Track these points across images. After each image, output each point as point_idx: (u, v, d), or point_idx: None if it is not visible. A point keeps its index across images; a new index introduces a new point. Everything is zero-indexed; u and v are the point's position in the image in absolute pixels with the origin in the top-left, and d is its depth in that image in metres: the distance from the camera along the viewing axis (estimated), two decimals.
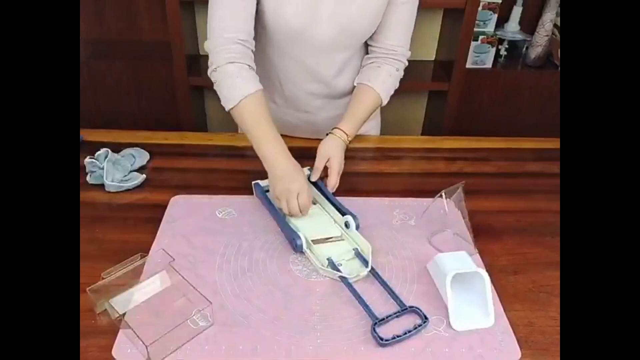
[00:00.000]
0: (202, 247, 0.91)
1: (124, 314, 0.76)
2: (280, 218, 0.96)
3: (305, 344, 0.74)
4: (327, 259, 0.87)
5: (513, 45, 1.92)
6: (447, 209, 0.90)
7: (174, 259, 0.84)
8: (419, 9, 1.11)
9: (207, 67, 1.02)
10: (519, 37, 1.86)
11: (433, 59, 2.00)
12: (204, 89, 1.96)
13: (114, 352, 0.71)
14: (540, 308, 0.82)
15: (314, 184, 1.04)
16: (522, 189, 1.13)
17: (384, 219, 1.00)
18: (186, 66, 1.71)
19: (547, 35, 1.81)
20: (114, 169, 1.06)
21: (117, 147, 1.13)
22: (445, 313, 0.78)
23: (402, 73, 1.17)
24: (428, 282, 0.85)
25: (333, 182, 1.03)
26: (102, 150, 1.08)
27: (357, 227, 0.93)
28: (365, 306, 0.78)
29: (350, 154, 1.11)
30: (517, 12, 1.83)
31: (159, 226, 0.95)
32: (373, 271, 0.85)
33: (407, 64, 1.17)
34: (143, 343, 0.67)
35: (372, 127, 1.33)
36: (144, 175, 1.08)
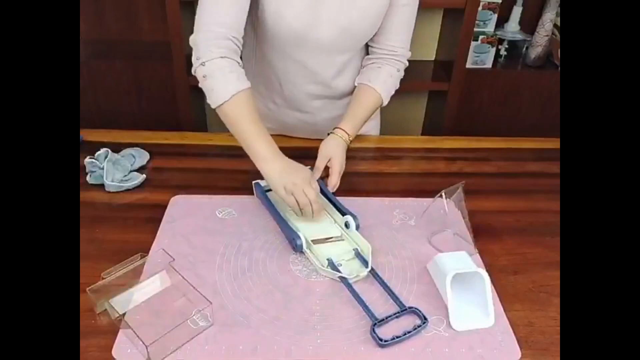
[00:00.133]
0: (202, 247, 0.91)
1: (124, 314, 0.76)
2: (280, 218, 0.96)
3: (305, 344, 0.74)
4: (327, 259, 0.87)
5: (513, 45, 1.92)
6: (447, 209, 0.90)
7: (174, 259, 0.84)
8: (419, 9, 1.12)
9: None
10: (519, 37, 1.86)
11: (433, 59, 2.00)
12: None
13: (114, 352, 0.71)
14: (540, 308, 0.82)
15: None
16: (522, 189, 1.13)
17: (384, 219, 1.00)
18: (186, 66, 1.71)
19: (547, 35, 1.80)
20: (114, 169, 1.06)
21: (117, 147, 1.13)
22: (445, 313, 0.78)
23: (402, 73, 1.17)
24: (428, 282, 0.85)
25: (334, 182, 1.03)
26: (102, 150, 1.08)
27: (357, 227, 0.93)
28: (365, 307, 0.78)
29: (350, 154, 1.11)
30: (517, 12, 1.83)
31: (159, 226, 0.95)
32: (373, 272, 0.85)
33: (407, 64, 1.17)
34: (143, 343, 0.67)
35: (372, 127, 1.33)
36: (144, 175, 1.08)
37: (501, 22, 1.85)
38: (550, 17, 1.78)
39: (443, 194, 0.90)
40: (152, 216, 0.98)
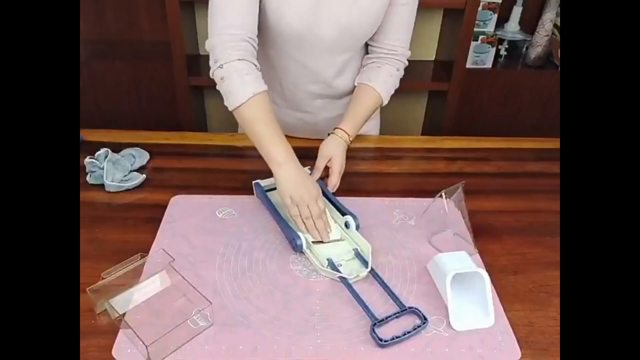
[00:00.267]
0: (202, 247, 0.91)
1: (124, 314, 0.76)
2: (280, 218, 0.96)
3: (305, 344, 0.74)
4: (327, 259, 0.87)
5: (513, 45, 1.92)
6: (447, 209, 0.90)
7: (174, 259, 0.84)
8: (419, 8, 1.12)
9: (207, 67, 1.00)
10: (519, 37, 1.86)
11: (433, 59, 2.00)
12: (204, 89, 1.96)
13: (114, 352, 0.71)
14: (540, 308, 0.82)
15: None
16: (522, 189, 1.13)
17: (384, 219, 1.00)
18: (186, 66, 1.71)
19: (547, 35, 1.81)
20: (114, 169, 1.06)
21: (117, 147, 1.13)
22: (445, 313, 0.78)
23: (402, 73, 1.17)
24: (428, 282, 0.85)
25: (334, 182, 1.04)
26: (102, 150, 1.08)
27: (357, 227, 0.93)
28: (365, 307, 0.78)
29: (350, 154, 1.11)
30: (517, 12, 1.83)
31: (159, 226, 0.95)
32: (373, 272, 0.85)
33: (407, 63, 1.17)
34: (143, 343, 0.67)
35: (372, 127, 1.33)
36: (144, 175, 1.08)
37: (501, 22, 1.85)
38: (550, 17, 1.78)
39: (443, 194, 0.90)
40: (152, 216, 0.98)
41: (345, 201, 0.99)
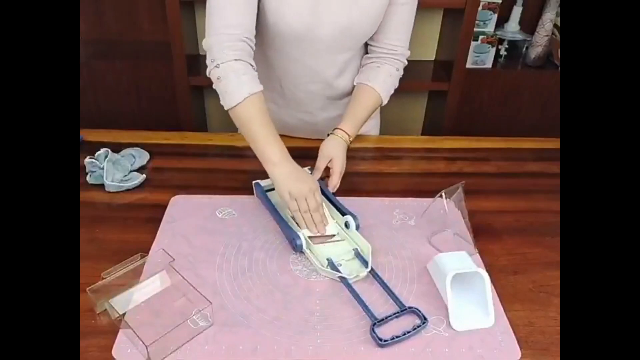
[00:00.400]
0: (202, 247, 0.91)
1: (124, 314, 0.76)
2: (280, 218, 0.96)
3: (305, 344, 0.74)
4: (327, 259, 0.87)
5: (513, 45, 1.91)
6: (447, 209, 0.90)
7: (174, 259, 0.84)
8: (419, 8, 1.12)
9: (206, 67, 1.00)
10: (519, 37, 1.86)
11: (433, 59, 2.00)
12: (204, 88, 1.96)
13: (114, 352, 0.71)
14: (540, 308, 0.82)
15: None
16: (522, 189, 1.13)
17: (384, 219, 1.00)
18: (186, 66, 1.71)
19: (547, 35, 1.80)
20: (114, 169, 1.06)
21: (117, 147, 1.13)
22: (445, 313, 0.78)
23: (402, 72, 1.17)
24: (428, 282, 0.85)
25: (334, 182, 1.04)
26: (102, 150, 1.08)
27: (357, 227, 0.93)
28: (365, 307, 0.78)
29: (350, 154, 1.11)
30: (517, 12, 1.83)
31: (159, 226, 0.95)
32: (373, 272, 0.85)
33: (406, 63, 1.17)
34: (143, 343, 0.67)
35: (372, 127, 1.33)
36: (144, 175, 1.08)
37: (501, 22, 1.85)
38: (550, 17, 1.78)
39: (443, 194, 0.90)
40: (152, 216, 0.98)
41: (345, 201, 0.99)
